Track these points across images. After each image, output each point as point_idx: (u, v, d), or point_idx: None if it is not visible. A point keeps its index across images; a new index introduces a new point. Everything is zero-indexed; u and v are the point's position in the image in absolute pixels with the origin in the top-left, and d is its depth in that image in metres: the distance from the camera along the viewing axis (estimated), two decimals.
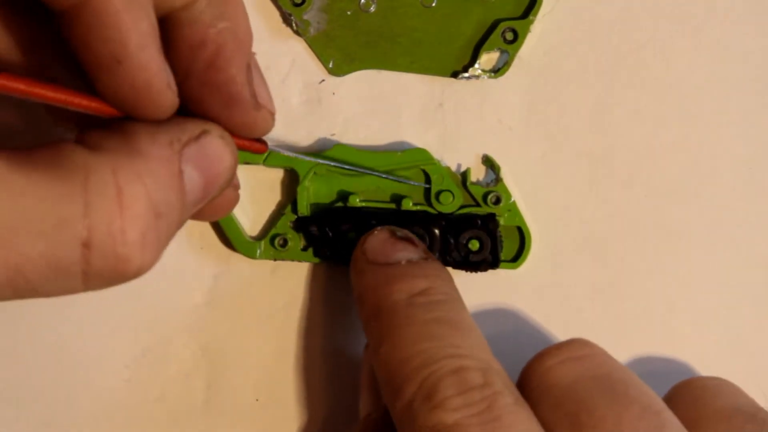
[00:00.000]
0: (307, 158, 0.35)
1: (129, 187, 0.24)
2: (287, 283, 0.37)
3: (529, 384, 0.29)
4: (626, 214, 0.37)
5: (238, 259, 0.37)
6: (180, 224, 0.27)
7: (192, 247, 0.37)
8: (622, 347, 0.37)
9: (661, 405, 0.28)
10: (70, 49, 0.25)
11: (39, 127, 0.31)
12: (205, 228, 0.37)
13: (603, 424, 0.26)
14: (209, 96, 0.28)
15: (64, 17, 0.23)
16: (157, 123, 0.26)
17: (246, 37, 0.27)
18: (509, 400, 0.27)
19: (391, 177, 0.35)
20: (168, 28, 0.26)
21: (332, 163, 0.35)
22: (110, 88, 0.25)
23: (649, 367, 0.37)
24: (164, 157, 0.25)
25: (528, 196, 0.37)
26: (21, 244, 0.22)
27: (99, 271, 0.24)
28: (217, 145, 0.28)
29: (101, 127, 0.26)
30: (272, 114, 0.29)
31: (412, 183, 0.36)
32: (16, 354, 0.37)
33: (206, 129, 0.27)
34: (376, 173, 0.35)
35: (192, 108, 0.28)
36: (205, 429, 0.37)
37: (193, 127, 0.27)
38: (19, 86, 0.24)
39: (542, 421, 0.27)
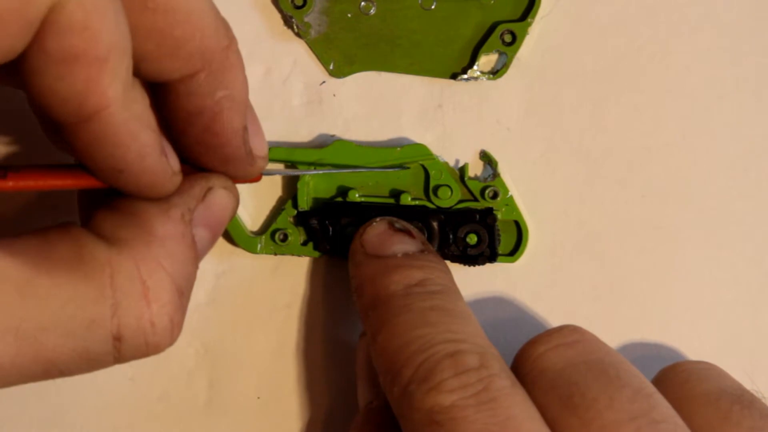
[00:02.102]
0: (304, 172, 0.36)
1: (153, 279, 0.25)
2: (288, 281, 0.37)
3: (522, 369, 0.29)
4: (622, 211, 0.37)
5: (240, 258, 0.37)
6: (194, 278, 0.28)
7: None
8: (615, 335, 0.37)
9: (652, 388, 0.28)
10: (75, 156, 0.26)
11: None
12: None
13: (595, 406, 0.26)
14: (206, 153, 0.28)
15: (66, 129, 0.24)
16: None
17: (242, 98, 0.28)
18: (505, 383, 0.27)
19: (377, 168, 0.36)
20: (165, 94, 0.27)
21: (327, 171, 0.36)
22: (116, 185, 0.26)
23: (638, 353, 0.37)
24: (179, 234, 0.27)
25: (526, 194, 0.37)
26: (52, 342, 0.23)
27: (131, 356, 0.25)
28: (221, 198, 0.29)
29: (111, 210, 0.27)
30: (266, 159, 0.30)
31: (396, 168, 0.36)
32: None
33: (210, 186, 0.29)
34: (366, 168, 0.36)
35: (190, 160, 0.29)
36: (208, 426, 0.37)
37: (199, 190, 0.28)
38: (29, 183, 0.25)
39: (536, 404, 0.27)
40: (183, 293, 0.26)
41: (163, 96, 0.27)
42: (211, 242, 0.29)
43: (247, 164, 0.29)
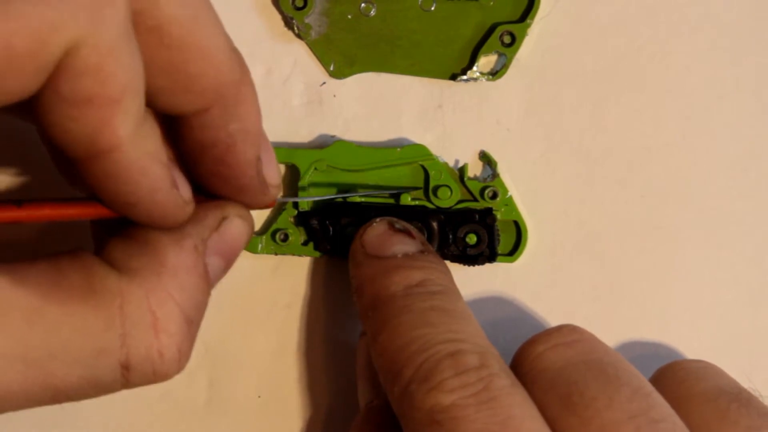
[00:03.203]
0: (318, 198, 0.36)
1: (162, 310, 0.26)
2: (289, 281, 0.38)
3: (521, 368, 0.29)
4: (621, 211, 0.38)
5: (240, 258, 0.37)
6: (206, 306, 0.29)
7: None
8: (614, 335, 0.37)
9: (650, 387, 0.28)
10: (88, 189, 0.26)
11: None
12: None
13: (595, 405, 0.27)
14: (219, 183, 0.28)
15: (78, 164, 0.24)
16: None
17: (256, 129, 0.28)
18: (506, 382, 0.27)
19: (388, 191, 0.36)
20: (178, 126, 0.27)
21: (338, 197, 0.36)
22: (129, 216, 0.26)
23: (637, 352, 0.37)
24: (191, 264, 0.27)
25: (526, 194, 0.37)
26: (60, 369, 0.24)
27: (138, 383, 0.26)
28: (236, 227, 0.29)
29: (123, 239, 0.27)
30: (279, 187, 0.30)
31: (409, 190, 0.36)
32: None
33: (225, 215, 0.29)
34: (378, 192, 0.36)
35: (204, 188, 0.29)
36: (208, 425, 0.37)
37: (213, 219, 0.29)
38: (43, 213, 0.25)
39: (535, 403, 0.27)
40: (192, 322, 0.27)
41: (176, 127, 0.27)
42: (225, 270, 0.30)
43: (261, 193, 0.29)
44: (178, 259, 0.26)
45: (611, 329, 0.37)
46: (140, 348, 0.25)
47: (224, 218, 0.29)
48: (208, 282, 0.28)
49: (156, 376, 0.26)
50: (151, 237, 0.27)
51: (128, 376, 0.25)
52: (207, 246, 0.28)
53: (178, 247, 0.27)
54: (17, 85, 0.21)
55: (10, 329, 0.23)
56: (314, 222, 0.36)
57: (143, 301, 0.25)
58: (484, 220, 0.36)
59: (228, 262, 0.30)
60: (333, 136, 0.37)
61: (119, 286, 0.25)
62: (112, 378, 0.25)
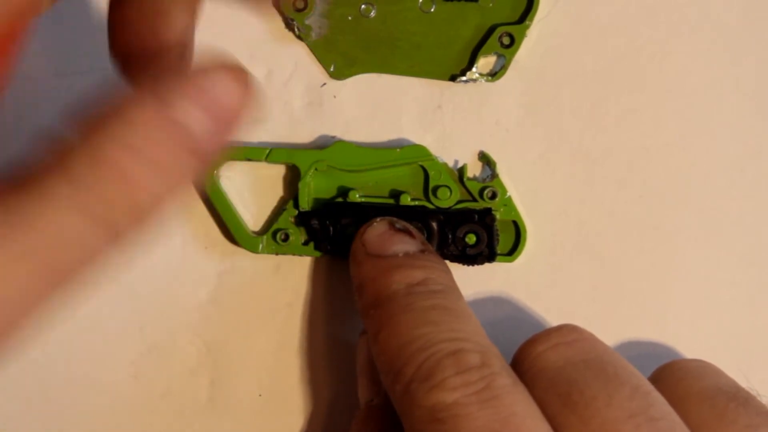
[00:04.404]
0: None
1: (129, 160, 0.21)
2: (289, 280, 0.38)
3: (521, 367, 0.30)
4: (620, 211, 0.38)
5: (241, 258, 0.38)
6: (196, 166, 0.23)
7: (197, 246, 0.38)
8: (613, 334, 0.37)
9: (650, 386, 0.28)
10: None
11: None
12: (210, 227, 0.38)
13: (594, 404, 0.27)
14: None
15: None
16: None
17: None
18: (507, 381, 0.27)
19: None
20: None
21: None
22: None
23: (636, 351, 0.37)
24: (154, 114, 0.22)
25: (525, 194, 0.37)
26: (59, 254, 0.21)
27: (124, 238, 0.22)
28: (220, 81, 0.23)
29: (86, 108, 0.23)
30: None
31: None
32: (24, 351, 0.37)
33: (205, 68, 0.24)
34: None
35: None
36: (210, 424, 0.38)
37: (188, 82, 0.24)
38: None
39: (535, 402, 0.28)
40: (164, 169, 0.22)
41: None
42: (216, 132, 0.23)
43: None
44: (141, 110, 0.22)
45: (610, 329, 0.37)
46: (118, 199, 0.21)
47: (205, 72, 0.23)
48: (182, 132, 0.22)
49: (135, 225, 0.22)
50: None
51: (116, 232, 0.21)
52: (180, 98, 0.22)
53: (140, 98, 0.22)
54: None
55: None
56: (315, 222, 0.36)
57: (109, 156, 0.21)
58: (484, 220, 0.36)
59: (217, 122, 0.23)
60: (333, 137, 0.38)
61: (82, 149, 0.21)
62: (104, 241, 0.21)
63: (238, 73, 0.24)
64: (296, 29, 0.37)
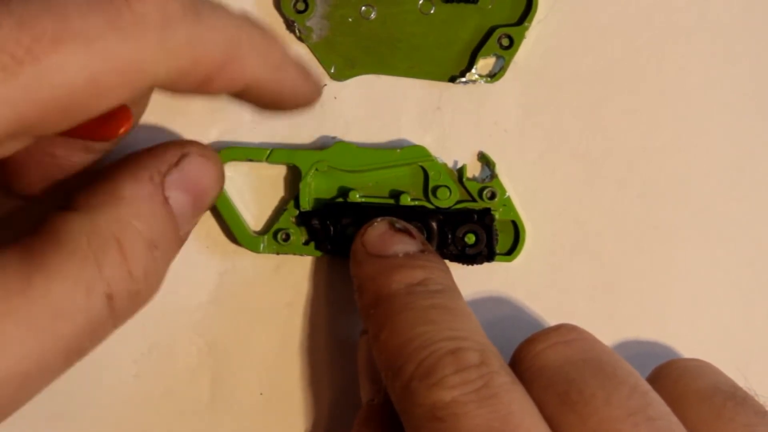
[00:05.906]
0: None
1: (124, 235, 0.27)
2: (290, 280, 0.38)
3: (520, 366, 0.30)
4: (619, 211, 0.38)
5: (242, 258, 0.38)
6: (180, 240, 0.30)
7: (198, 246, 0.38)
8: (611, 334, 0.37)
9: (647, 386, 0.28)
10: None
11: None
12: (211, 228, 0.38)
13: (593, 402, 0.27)
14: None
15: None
16: (137, 161, 0.29)
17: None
18: (506, 379, 0.28)
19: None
20: None
21: None
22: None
23: (634, 351, 0.37)
24: (147, 194, 0.28)
25: (524, 195, 0.38)
26: (64, 326, 0.25)
27: (122, 314, 0.27)
28: (197, 163, 0.30)
29: (86, 185, 0.28)
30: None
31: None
32: None
33: (185, 152, 0.30)
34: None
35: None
36: (211, 423, 0.38)
37: (172, 156, 0.30)
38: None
39: (534, 401, 0.28)
40: (156, 247, 0.28)
41: None
42: (193, 206, 0.30)
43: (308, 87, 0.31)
44: (134, 189, 0.28)
45: (609, 328, 0.37)
46: (114, 272, 0.26)
47: (184, 155, 0.30)
48: (170, 212, 0.29)
49: (131, 299, 0.27)
50: (109, 174, 0.28)
51: (113, 305, 0.26)
52: (166, 179, 0.29)
53: (134, 179, 0.28)
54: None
55: (14, 316, 0.24)
56: (315, 222, 0.36)
57: (106, 231, 0.26)
58: (483, 220, 0.36)
59: (194, 198, 0.30)
60: (334, 138, 0.38)
61: (82, 224, 0.26)
62: (102, 313, 0.26)
63: (211, 154, 0.31)
64: (297, 31, 0.37)
